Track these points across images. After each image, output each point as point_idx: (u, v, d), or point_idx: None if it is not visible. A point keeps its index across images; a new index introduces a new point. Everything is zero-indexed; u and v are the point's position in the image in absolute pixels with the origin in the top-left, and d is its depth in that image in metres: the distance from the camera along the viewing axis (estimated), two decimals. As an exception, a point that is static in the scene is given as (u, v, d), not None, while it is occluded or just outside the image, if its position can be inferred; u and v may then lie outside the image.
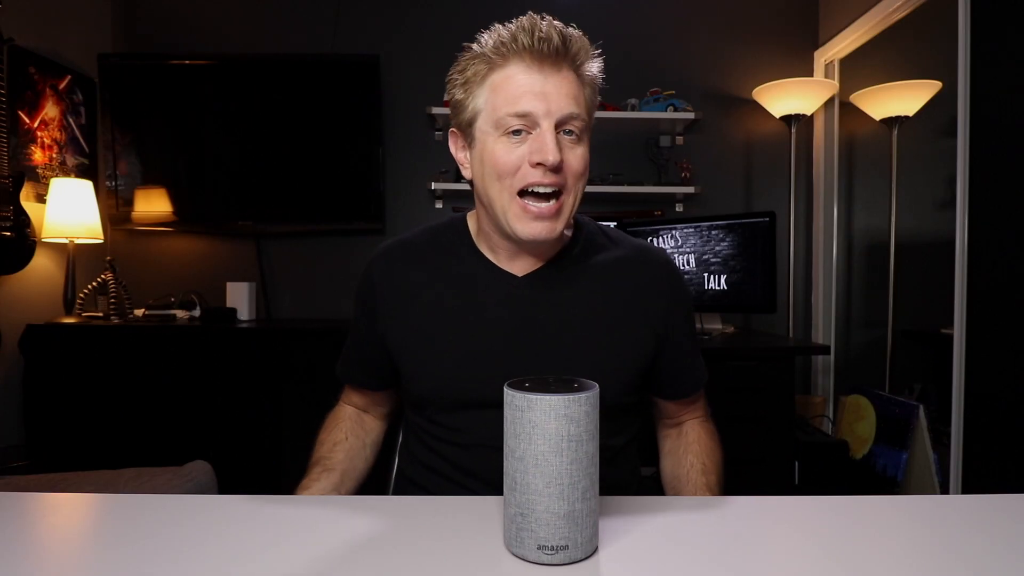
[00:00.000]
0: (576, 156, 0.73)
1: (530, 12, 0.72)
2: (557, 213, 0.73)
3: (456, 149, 0.80)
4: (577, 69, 0.73)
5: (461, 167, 0.81)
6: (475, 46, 0.74)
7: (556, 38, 0.69)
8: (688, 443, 0.89)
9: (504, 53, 0.71)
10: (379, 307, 0.84)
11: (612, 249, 0.85)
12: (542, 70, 0.71)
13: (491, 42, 0.72)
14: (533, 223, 0.73)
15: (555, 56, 0.70)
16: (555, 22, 0.72)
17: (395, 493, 0.99)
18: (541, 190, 0.72)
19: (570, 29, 0.73)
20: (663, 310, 0.83)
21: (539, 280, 0.81)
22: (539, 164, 0.70)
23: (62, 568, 0.52)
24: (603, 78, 0.78)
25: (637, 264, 0.84)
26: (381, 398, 0.95)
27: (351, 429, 0.92)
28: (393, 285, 0.83)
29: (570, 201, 0.75)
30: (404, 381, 0.85)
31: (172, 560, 0.52)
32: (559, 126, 0.71)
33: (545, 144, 0.69)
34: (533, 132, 0.71)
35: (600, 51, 0.77)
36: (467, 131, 0.76)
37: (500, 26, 0.73)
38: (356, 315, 0.89)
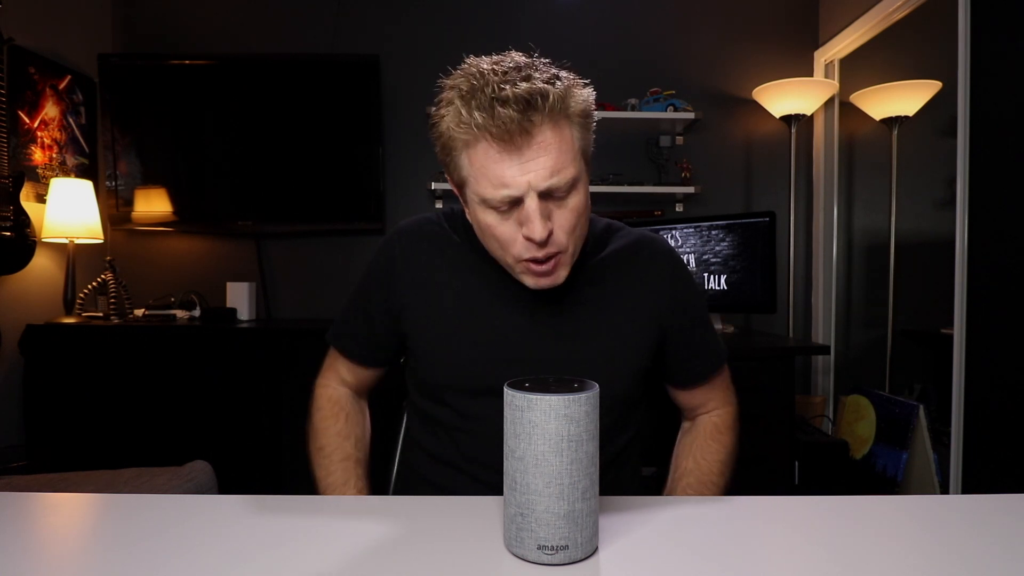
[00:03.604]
0: (566, 212, 0.71)
1: (487, 68, 0.67)
2: (556, 267, 0.74)
3: (457, 195, 0.79)
4: (557, 118, 0.68)
5: (465, 210, 0.80)
6: (445, 107, 0.70)
7: (516, 114, 0.64)
8: (685, 444, 0.90)
9: (471, 132, 0.67)
10: (398, 282, 0.85)
11: (617, 243, 0.88)
12: (514, 147, 0.66)
13: (453, 121, 0.69)
14: (539, 279, 0.75)
15: (523, 129, 0.65)
16: (517, 82, 0.65)
17: (398, 484, 1.00)
18: (539, 259, 0.72)
19: (535, 80, 0.66)
20: (666, 298, 0.85)
21: None
22: (528, 239, 0.70)
23: (62, 568, 0.52)
24: (592, 100, 0.73)
25: (639, 255, 0.86)
26: (370, 378, 0.94)
27: (358, 421, 0.91)
28: (414, 264, 0.85)
29: (568, 254, 0.74)
30: (416, 363, 0.86)
31: (172, 560, 0.52)
32: (544, 195, 0.69)
33: (532, 222, 0.69)
34: (519, 206, 0.70)
35: (572, 58, 0.73)
36: (461, 190, 0.76)
37: (457, 98, 0.68)
38: (367, 286, 0.88)
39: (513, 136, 0.66)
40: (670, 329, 0.85)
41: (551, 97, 0.66)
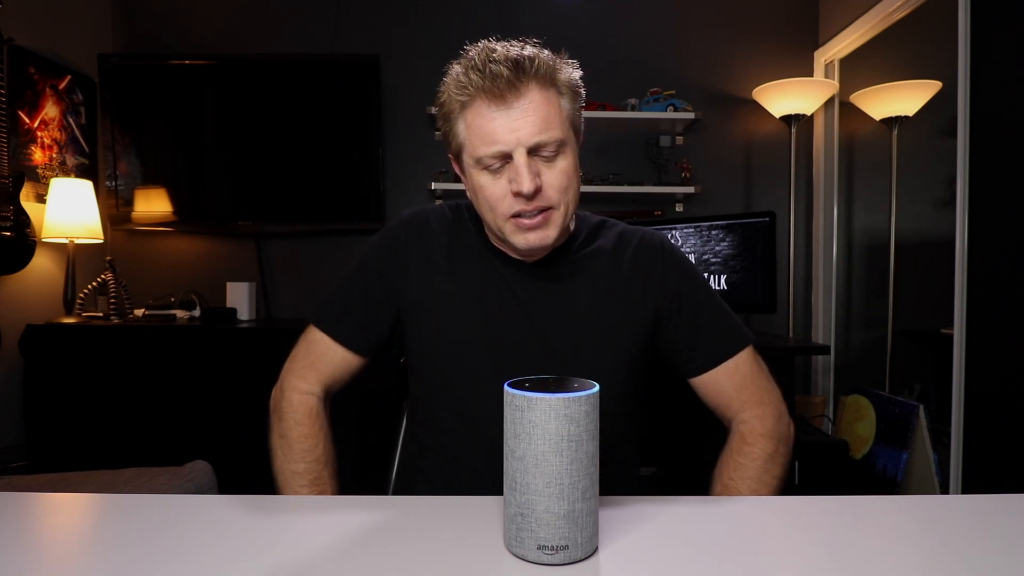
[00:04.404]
0: (555, 173, 0.76)
1: (483, 42, 0.76)
2: (546, 222, 0.77)
3: (458, 170, 0.84)
4: (545, 83, 0.74)
5: (465, 186, 0.84)
6: (447, 77, 0.78)
7: (506, 71, 0.71)
8: (718, 465, 0.84)
9: (467, 93, 0.74)
10: (402, 267, 0.86)
11: (609, 234, 0.90)
12: (505, 103, 0.73)
13: (453, 84, 0.76)
14: (527, 234, 0.77)
15: (512, 85, 0.72)
16: (509, 48, 0.74)
17: (397, 483, 1.01)
18: (528, 214, 0.76)
19: (525, 50, 0.74)
20: (657, 284, 0.86)
21: (547, 267, 0.85)
22: (518, 194, 0.74)
23: (62, 568, 0.52)
24: (580, 80, 0.79)
25: (629, 244, 0.88)
26: (349, 371, 0.88)
27: (331, 440, 0.85)
28: (419, 251, 0.86)
29: (560, 212, 0.78)
30: (414, 351, 0.87)
31: (172, 560, 0.52)
32: (532, 152, 0.74)
33: (520, 175, 0.73)
34: (509, 163, 0.75)
35: (572, 58, 0.79)
36: (459, 159, 0.81)
37: (457, 64, 0.76)
38: (368, 268, 0.87)
39: (504, 93, 0.72)
40: (666, 315, 0.85)
41: (538, 61, 0.74)
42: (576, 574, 0.50)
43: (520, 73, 0.72)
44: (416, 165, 2.53)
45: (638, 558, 0.53)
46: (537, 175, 0.74)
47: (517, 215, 0.76)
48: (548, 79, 0.75)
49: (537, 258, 0.84)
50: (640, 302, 0.85)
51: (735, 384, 0.85)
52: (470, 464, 0.82)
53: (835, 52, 2.48)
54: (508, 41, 0.76)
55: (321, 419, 0.85)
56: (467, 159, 0.78)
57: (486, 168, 0.76)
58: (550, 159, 0.75)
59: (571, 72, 0.78)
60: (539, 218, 0.76)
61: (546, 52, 0.76)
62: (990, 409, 1.60)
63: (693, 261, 2.10)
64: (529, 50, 0.74)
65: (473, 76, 0.73)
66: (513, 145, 0.73)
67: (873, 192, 2.57)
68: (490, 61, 0.72)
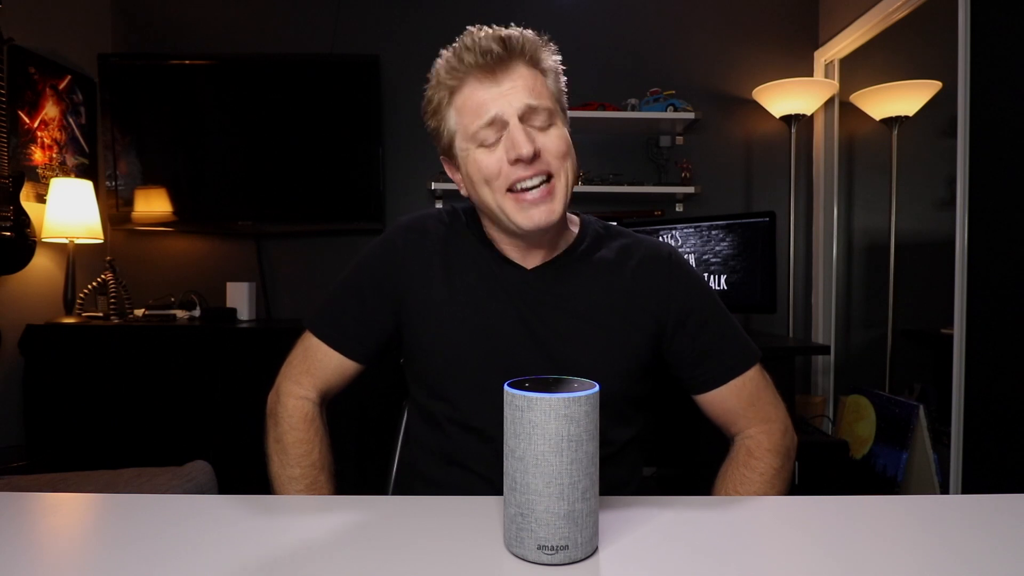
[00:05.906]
0: (551, 138, 0.76)
1: (468, 29, 0.77)
2: (550, 195, 0.76)
3: (451, 173, 0.85)
4: (530, 62, 0.77)
5: (459, 188, 0.84)
6: (431, 75, 0.79)
7: (496, 47, 0.73)
8: (721, 477, 0.83)
9: (458, 76, 0.76)
10: (399, 273, 0.85)
11: (614, 245, 0.88)
12: (495, 78, 0.75)
13: (443, 70, 0.77)
14: (531, 211, 0.76)
15: (502, 61, 0.74)
16: (495, 30, 0.76)
17: (397, 481, 1.00)
18: (528, 183, 0.75)
19: (511, 30, 0.76)
20: (662, 297, 0.84)
21: (546, 273, 0.84)
22: (517, 160, 0.74)
23: (62, 568, 0.52)
24: (561, 61, 0.81)
25: (636, 254, 0.86)
26: (345, 378, 0.87)
27: (329, 445, 0.85)
28: (416, 257, 0.85)
29: (561, 183, 0.77)
30: (413, 357, 0.86)
31: (172, 560, 0.52)
32: (525, 119, 0.75)
33: (516, 139, 0.73)
34: (504, 133, 0.75)
35: (572, 58, 0.81)
36: (450, 154, 0.81)
37: (445, 51, 0.78)
38: (363, 274, 0.87)
39: (494, 68, 0.74)
40: (670, 329, 0.84)
41: (524, 40, 0.76)
42: (576, 574, 0.50)
43: (509, 50, 0.74)
44: (416, 165, 2.53)
45: (638, 558, 0.53)
46: (533, 140, 0.74)
47: (519, 189, 0.75)
48: (534, 59, 0.77)
49: (536, 241, 0.82)
50: (641, 314, 0.83)
51: (741, 402, 0.83)
52: (469, 469, 0.82)
53: (835, 52, 2.48)
54: (490, 26, 0.78)
55: (317, 424, 0.84)
56: (460, 144, 0.78)
57: (481, 144, 0.76)
58: (544, 128, 0.76)
59: (552, 56, 0.80)
60: (543, 190, 0.75)
61: (529, 32, 0.78)
62: (990, 409, 1.60)
63: (693, 262, 2.11)
64: (514, 30, 0.76)
65: (465, 55, 0.74)
66: (506, 111, 0.74)
67: (873, 192, 2.57)
68: (479, 39, 0.74)
